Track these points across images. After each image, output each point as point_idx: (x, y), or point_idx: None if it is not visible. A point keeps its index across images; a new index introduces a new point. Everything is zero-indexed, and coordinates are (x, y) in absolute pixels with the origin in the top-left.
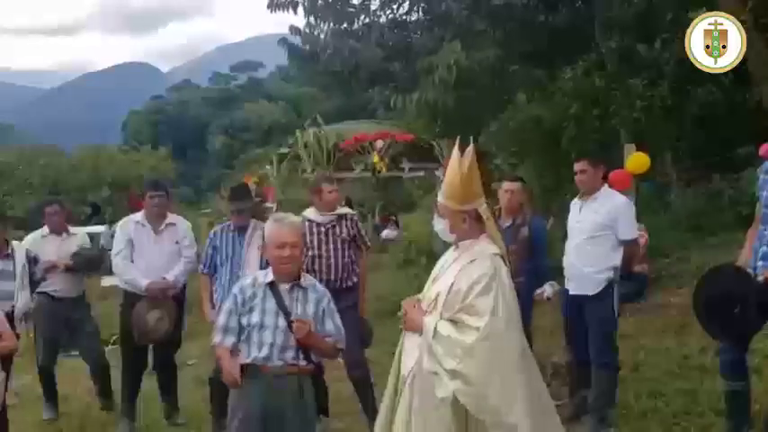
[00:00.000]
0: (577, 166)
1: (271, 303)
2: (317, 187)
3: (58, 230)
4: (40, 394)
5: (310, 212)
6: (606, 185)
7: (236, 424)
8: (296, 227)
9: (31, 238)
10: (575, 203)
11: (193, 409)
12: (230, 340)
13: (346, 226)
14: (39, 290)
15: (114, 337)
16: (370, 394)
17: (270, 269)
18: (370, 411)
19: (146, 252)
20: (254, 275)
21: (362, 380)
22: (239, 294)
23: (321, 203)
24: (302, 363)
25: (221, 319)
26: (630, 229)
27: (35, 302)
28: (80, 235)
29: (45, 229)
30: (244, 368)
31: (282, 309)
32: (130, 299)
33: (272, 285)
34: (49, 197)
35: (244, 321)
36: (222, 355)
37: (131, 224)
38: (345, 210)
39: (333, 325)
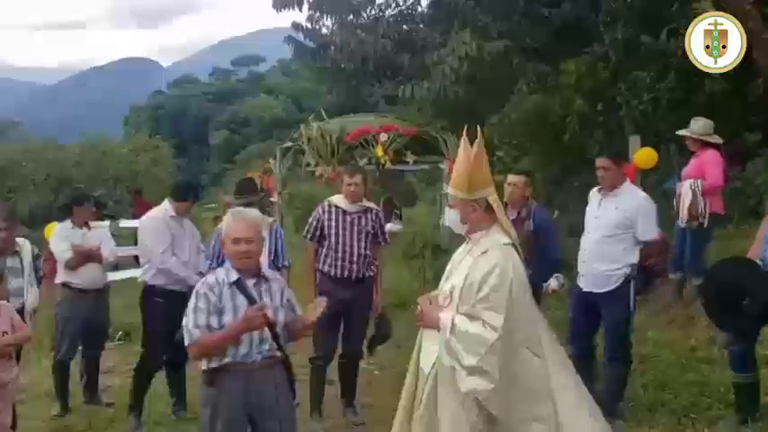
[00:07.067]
0: (599, 163)
1: (240, 300)
2: (341, 177)
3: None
4: (46, 390)
5: (338, 199)
6: (627, 181)
7: (221, 424)
8: (252, 222)
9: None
10: (594, 195)
11: (200, 404)
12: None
13: (371, 219)
14: (62, 281)
15: (120, 333)
16: (353, 382)
17: (230, 266)
18: (348, 396)
19: (185, 248)
20: (215, 274)
21: (352, 371)
22: (211, 294)
23: (344, 193)
24: (277, 353)
25: (192, 320)
26: (650, 230)
27: (60, 295)
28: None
29: (69, 223)
30: (221, 368)
31: (253, 304)
32: (168, 297)
33: (237, 282)
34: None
35: (214, 323)
36: (207, 339)
37: (167, 220)
38: (371, 204)
39: (299, 310)
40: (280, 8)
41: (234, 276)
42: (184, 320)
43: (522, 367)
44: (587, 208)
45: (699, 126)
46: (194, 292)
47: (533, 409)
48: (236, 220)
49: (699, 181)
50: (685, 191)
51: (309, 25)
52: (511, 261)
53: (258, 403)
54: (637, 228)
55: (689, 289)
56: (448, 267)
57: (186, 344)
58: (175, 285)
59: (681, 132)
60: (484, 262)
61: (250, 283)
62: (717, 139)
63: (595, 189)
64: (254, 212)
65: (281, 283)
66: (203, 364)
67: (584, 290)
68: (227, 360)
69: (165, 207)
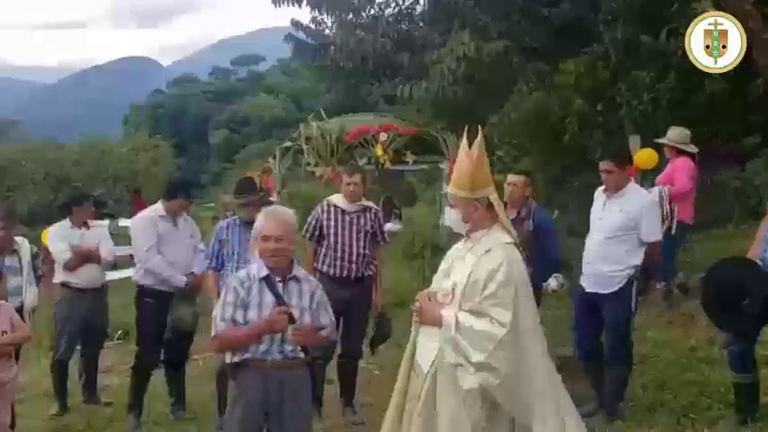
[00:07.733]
0: (602, 166)
1: (268, 298)
2: (340, 177)
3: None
4: (45, 389)
5: (336, 199)
6: (632, 181)
7: (237, 417)
8: (282, 220)
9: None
10: (599, 195)
11: (199, 404)
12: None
13: (370, 219)
14: (61, 280)
15: (119, 333)
16: (352, 382)
17: (262, 263)
18: (347, 396)
19: (176, 247)
20: (247, 269)
21: (351, 370)
22: (240, 288)
23: (343, 192)
24: (300, 354)
25: (220, 313)
26: (654, 231)
27: (59, 294)
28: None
29: (68, 222)
30: (241, 363)
31: (281, 303)
32: (157, 297)
33: (266, 279)
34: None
35: (239, 317)
36: (230, 333)
37: (156, 219)
38: (370, 203)
39: (327, 318)
40: (279, 4)
41: (264, 272)
42: (213, 312)
43: (529, 366)
44: (592, 208)
45: (675, 134)
46: (226, 285)
47: (540, 407)
48: (268, 218)
49: (666, 187)
50: (654, 196)
51: (313, 26)
52: (514, 259)
53: (276, 402)
54: (641, 229)
55: (675, 294)
56: (444, 266)
57: (211, 335)
58: (161, 285)
59: (658, 140)
60: (488, 260)
61: (279, 281)
62: (692, 148)
63: (600, 189)
64: (285, 211)
65: (312, 285)
66: (227, 358)
67: (588, 290)
68: (247, 355)
69: (156, 207)
